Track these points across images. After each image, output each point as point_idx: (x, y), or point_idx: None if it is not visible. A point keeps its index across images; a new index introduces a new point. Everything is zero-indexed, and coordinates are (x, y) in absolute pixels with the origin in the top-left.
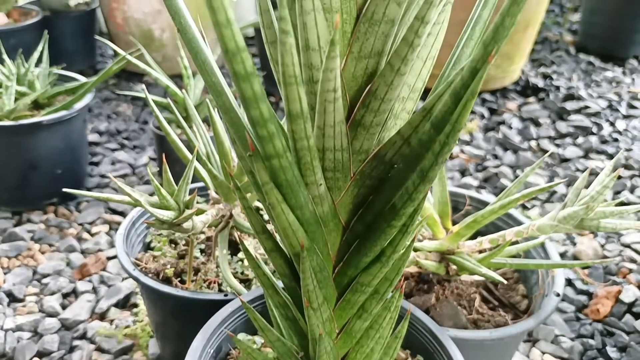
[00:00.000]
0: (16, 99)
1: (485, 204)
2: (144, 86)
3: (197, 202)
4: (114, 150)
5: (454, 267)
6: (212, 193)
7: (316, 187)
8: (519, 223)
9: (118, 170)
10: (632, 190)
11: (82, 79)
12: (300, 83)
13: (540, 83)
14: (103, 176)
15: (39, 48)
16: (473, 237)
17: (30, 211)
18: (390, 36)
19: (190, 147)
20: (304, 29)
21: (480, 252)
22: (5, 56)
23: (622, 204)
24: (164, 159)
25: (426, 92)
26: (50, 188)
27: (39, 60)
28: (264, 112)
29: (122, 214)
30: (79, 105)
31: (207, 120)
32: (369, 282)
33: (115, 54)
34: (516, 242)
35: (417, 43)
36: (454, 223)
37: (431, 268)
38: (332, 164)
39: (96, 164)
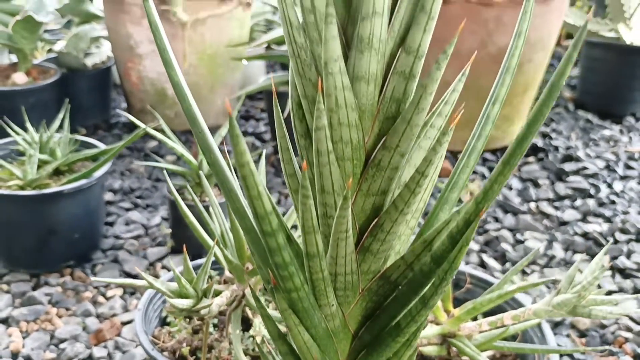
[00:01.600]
0: (38, 167)
1: (485, 281)
2: (166, 173)
3: (210, 277)
4: (127, 209)
5: (455, 348)
6: (226, 272)
7: (329, 307)
8: (518, 302)
9: (132, 231)
10: (628, 255)
11: (102, 145)
12: (318, 232)
13: (539, 142)
14: (117, 237)
15: (60, 116)
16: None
17: (48, 274)
18: (394, 179)
19: (202, 217)
20: (320, 176)
21: (481, 331)
22: (28, 124)
23: (612, 292)
24: (184, 250)
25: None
26: (68, 251)
27: (60, 127)
28: (286, 258)
29: (136, 277)
30: (98, 173)
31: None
32: None
33: (135, 126)
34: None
35: (417, 191)
36: (454, 301)
37: (433, 352)
38: (342, 285)
39: (111, 224)
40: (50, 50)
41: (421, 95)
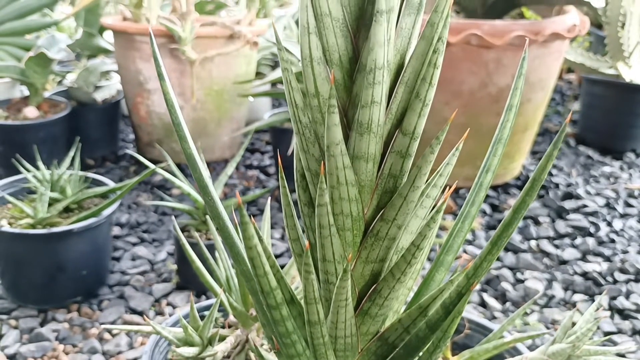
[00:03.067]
0: (49, 204)
1: (483, 327)
2: (174, 221)
3: (215, 321)
4: (134, 244)
5: None
6: (231, 317)
7: None
8: (516, 347)
9: (138, 266)
10: (627, 295)
11: (111, 183)
12: (319, 302)
13: None
14: (124, 273)
15: (71, 153)
16: None
17: (55, 309)
18: (392, 247)
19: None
20: (322, 247)
21: None
22: (40, 163)
23: (609, 340)
24: (191, 298)
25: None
26: (75, 287)
27: (71, 164)
28: (289, 328)
29: (141, 313)
30: (107, 211)
31: None
32: None
33: (145, 166)
34: None
35: (413, 262)
36: (454, 345)
37: None
38: (342, 346)
39: (117, 259)
40: (60, 82)
41: (416, 175)
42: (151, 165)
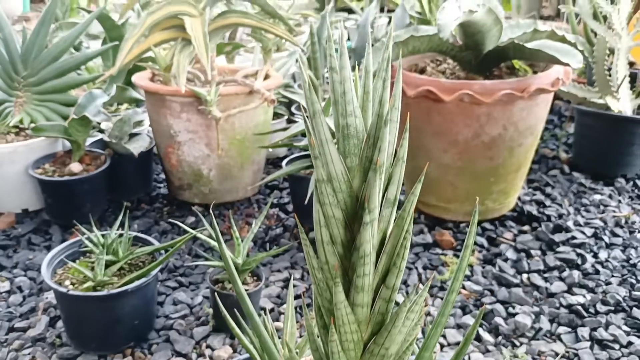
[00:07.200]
0: (105, 266)
1: None
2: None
3: None
4: (174, 289)
5: None
6: None
7: None
8: None
9: (179, 311)
10: (606, 327)
11: (155, 243)
12: None
13: (534, 211)
14: (167, 317)
15: (120, 217)
16: None
17: (113, 354)
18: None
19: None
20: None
21: None
22: (94, 228)
23: None
24: None
25: None
26: (129, 335)
27: (121, 226)
28: None
29: (185, 356)
30: (155, 271)
31: (256, 273)
32: None
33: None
34: None
35: None
36: None
37: None
38: None
39: (161, 303)
40: (95, 128)
41: (395, 319)
42: (190, 230)
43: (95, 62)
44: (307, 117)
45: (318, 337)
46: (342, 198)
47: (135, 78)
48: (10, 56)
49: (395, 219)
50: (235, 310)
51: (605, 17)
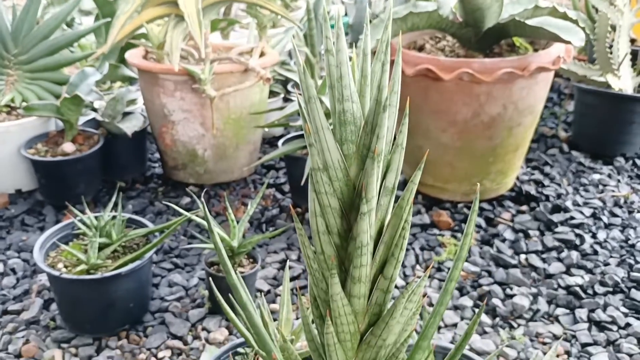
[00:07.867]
0: (99, 249)
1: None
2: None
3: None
4: (169, 270)
5: None
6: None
7: None
8: None
9: (175, 293)
10: (604, 308)
11: (150, 224)
12: None
13: (532, 190)
14: (162, 299)
15: (113, 199)
16: None
17: (108, 337)
18: (381, 351)
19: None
20: (329, 358)
21: None
22: (87, 210)
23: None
24: None
25: None
26: (124, 318)
27: (114, 207)
28: None
29: (181, 338)
30: (149, 253)
31: (252, 255)
32: None
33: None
34: None
35: (399, 354)
36: None
37: None
38: None
39: (156, 285)
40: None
41: (393, 311)
42: (186, 213)
43: (88, 39)
44: (303, 101)
45: (313, 322)
46: (338, 187)
47: (128, 55)
48: (0, 34)
49: (393, 208)
50: (230, 294)
51: None
